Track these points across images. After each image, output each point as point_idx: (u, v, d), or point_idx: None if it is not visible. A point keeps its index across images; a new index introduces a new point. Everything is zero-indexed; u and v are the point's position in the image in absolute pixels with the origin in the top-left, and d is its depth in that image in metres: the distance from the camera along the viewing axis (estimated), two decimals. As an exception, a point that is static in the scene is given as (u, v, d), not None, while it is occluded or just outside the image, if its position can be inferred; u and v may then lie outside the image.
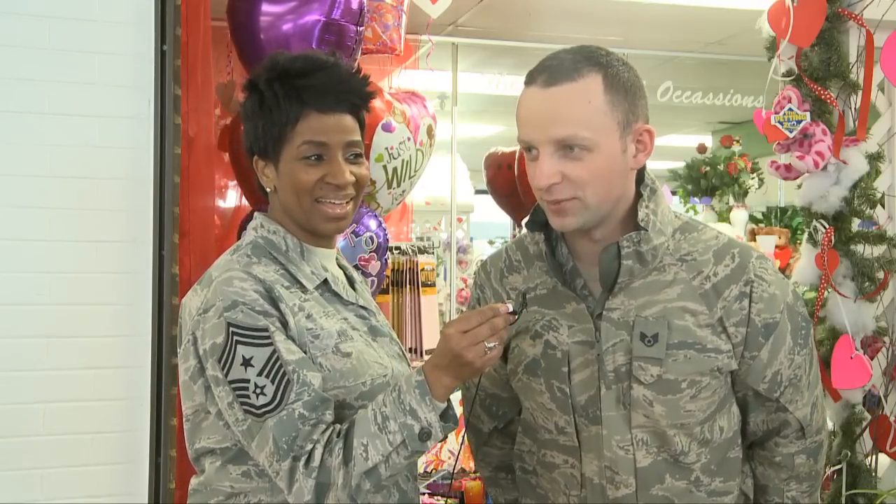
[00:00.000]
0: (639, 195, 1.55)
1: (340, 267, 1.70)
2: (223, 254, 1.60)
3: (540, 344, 1.58)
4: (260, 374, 1.42)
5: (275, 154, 1.55)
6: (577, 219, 1.49)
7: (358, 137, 1.59)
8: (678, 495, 1.53)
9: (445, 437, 1.45)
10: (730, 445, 1.58)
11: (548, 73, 1.46)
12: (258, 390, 1.41)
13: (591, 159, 1.45)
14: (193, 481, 1.58)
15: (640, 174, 1.56)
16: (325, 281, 1.59)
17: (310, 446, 1.40)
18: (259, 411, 1.41)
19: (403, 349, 1.72)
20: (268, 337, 1.44)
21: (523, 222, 1.67)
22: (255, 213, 1.64)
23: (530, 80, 1.49)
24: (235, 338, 1.43)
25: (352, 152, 1.58)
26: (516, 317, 1.42)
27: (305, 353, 1.47)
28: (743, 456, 1.62)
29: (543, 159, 1.46)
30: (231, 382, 1.43)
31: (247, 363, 1.42)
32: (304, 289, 1.54)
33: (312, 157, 1.54)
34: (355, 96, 1.59)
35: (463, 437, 1.81)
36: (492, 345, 1.38)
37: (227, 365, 1.43)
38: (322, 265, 1.61)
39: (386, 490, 1.55)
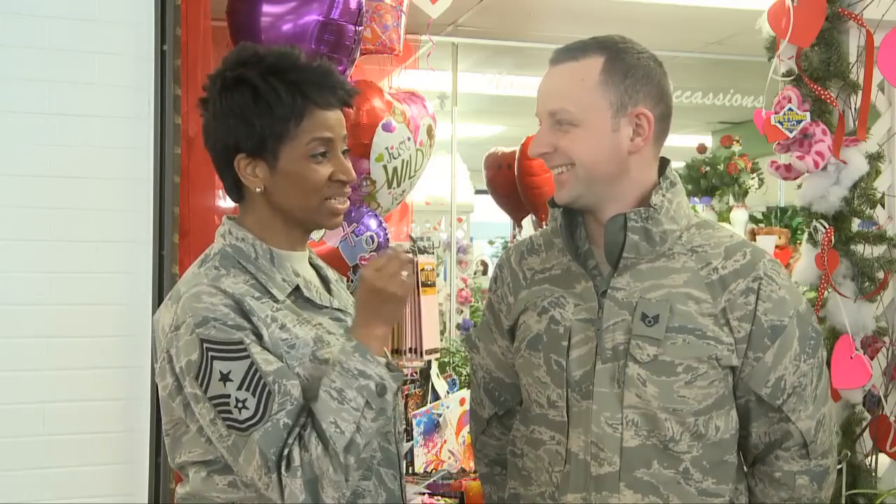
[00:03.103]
0: (657, 185, 1.61)
1: (315, 267, 1.67)
2: (191, 265, 1.57)
3: (545, 319, 1.61)
4: (240, 388, 1.40)
5: (272, 152, 1.51)
6: (570, 191, 1.58)
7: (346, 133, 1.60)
8: (665, 484, 1.52)
9: (398, 386, 1.49)
10: (726, 449, 1.57)
11: (559, 53, 1.60)
12: (240, 404, 1.40)
13: (578, 133, 1.55)
14: (180, 490, 1.57)
15: (664, 168, 1.63)
16: (297, 287, 1.56)
17: (286, 451, 1.39)
18: (243, 425, 1.40)
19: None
20: (244, 349, 1.42)
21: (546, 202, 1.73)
22: (224, 218, 1.61)
23: (549, 60, 1.62)
24: (211, 353, 1.41)
25: (343, 148, 1.57)
26: (412, 254, 1.54)
27: (283, 363, 1.46)
28: (739, 468, 1.61)
29: (539, 130, 1.59)
30: (211, 399, 1.41)
31: (225, 378, 1.41)
32: (275, 299, 1.51)
33: (320, 155, 1.53)
34: (344, 92, 1.57)
35: (463, 437, 1.82)
36: (406, 273, 1.47)
37: (205, 381, 1.41)
38: (294, 270, 1.58)
39: (374, 490, 1.55)
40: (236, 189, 1.58)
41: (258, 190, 1.54)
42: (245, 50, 1.56)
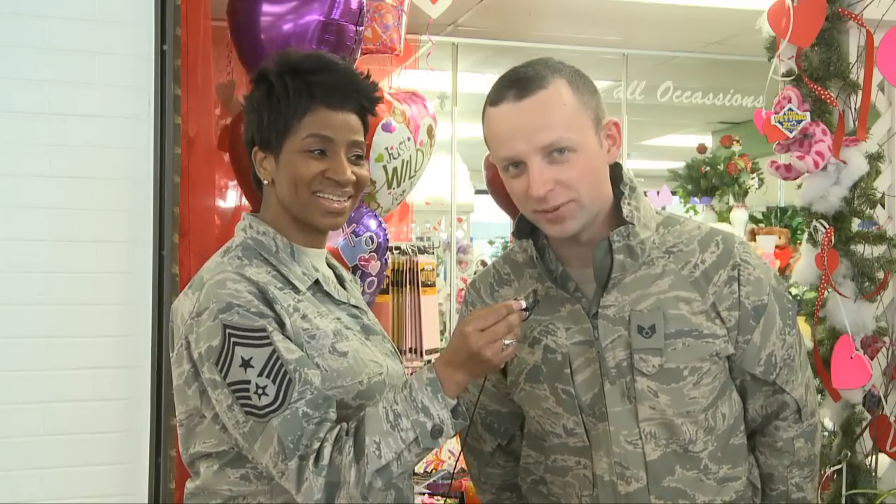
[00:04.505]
0: (618, 194, 1.58)
1: (330, 266, 1.69)
2: (213, 256, 1.59)
3: (539, 350, 1.59)
4: (261, 375, 1.41)
5: (277, 146, 1.55)
6: (576, 222, 1.51)
7: (362, 139, 1.60)
8: (689, 485, 1.54)
9: (456, 433, 1.45)
10: (732, 432, 1.60)
11: (516, 87, 1.49)
12: (260, 391, 1.40)
13: (578, 159, 1.48)
14: (189, 485, 1.57)
15: (619, 173, 1.60)
16: (317, 281, 1.58)
17: (317, 445, 1.39)
18: (262, 412, 1.40)
19: (395, 347, 1.72)
20: (266, 337, 1.42)
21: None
22: (244, 214, 1.63)
23: (499, 98, 1.51)
24: (233, 339, 1.42)
25: (354, 153, 1.58)
26: (529, 314, 1.44)
27: (303, 352, 1.47)
28: (746, 444, 1.64)
29: (534, 169, 1.47)
30: (230, 385, 1.42)
31: (246, 364, 1.41)
32: (296, 290, 1.53)
33: (316, 151, 1.54)
34: (364, 97, 1.60)
35: (464, 435, 1.80)
36: (509, 342, 1.40)
37: (226, 367, 1.42)
38: (313, 265, 1.60)
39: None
40: (257, 182, 1.63)
41: (266, 182, 1.59)
42: (283, 52, 1.60)
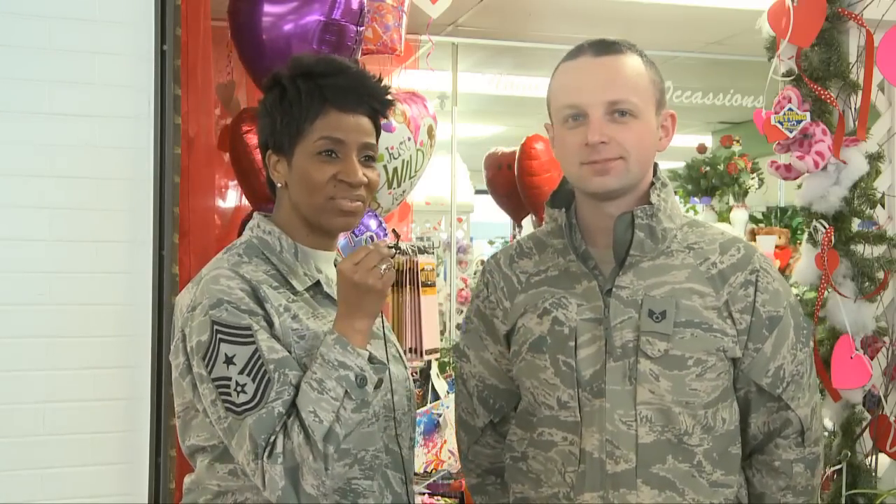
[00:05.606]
0: (651, 185, 1.63)
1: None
2: (219, 253, 1.61)
3: (547, 321, 1.61)
4: (241, 372, 1.43)
5: (290, 149, 1.57)
6: (619, 179, 1.56)
7: (373, 141, 1.62)
8: (680, 478, 1.54)
9: (380, 380, 1.49)
10: (731, 440, 1.59)
11: (597, 46, 1.58)
12: (239, 388, 1.43)
13: (637, 125, 1.55)
14: (187, 479, 1.60)
15: (655, 170, 1.65)
16: (318, 283, 1.59)
17: (273, 439, 1.41)
18: (239, 409, 1.43)
19: (401, 351, 1.72)
20: (251, 335, 1.45)
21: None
22: (254, 214, 1.65)
23: (577, 52, 1.60)
24: (219, 335, 1.44)
25: (366, 154, 1.60)
26: (396, 250, 1.50)
27: (290, 353, 1.48)
28: (741, 459, 1.63)
29: (594, 120, 1.54)
30: (214, 380, 1.45)
31: (229, 361, 1.43)
32: (293, 290, 1.54)
33: (328, 154, 1.55)
34: (375, 100, 1.61)
35: (457, 411, 1.80)
36: (384, 266, 1.47)
37: (211, 362, 1.45)
38: (317, 267, 1.61)
39: (378, 491, 1.56)
40: (270, 185, 1.65)
41: (280, 185, 1.61)
42: (296, 56, 1.63)
